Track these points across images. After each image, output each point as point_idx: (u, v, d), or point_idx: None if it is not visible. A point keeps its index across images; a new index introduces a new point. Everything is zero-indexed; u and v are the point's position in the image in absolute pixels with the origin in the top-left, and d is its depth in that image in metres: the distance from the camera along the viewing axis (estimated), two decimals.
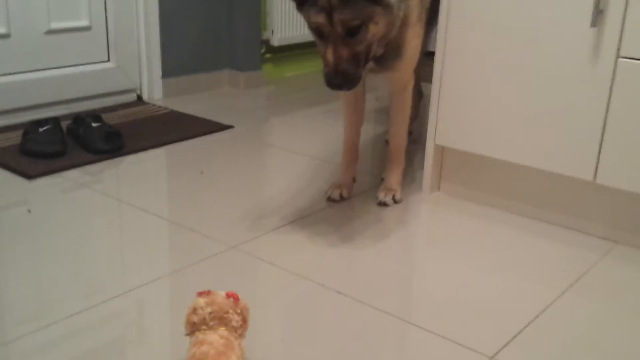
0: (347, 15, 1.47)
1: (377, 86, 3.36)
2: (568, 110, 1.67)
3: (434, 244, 1.76)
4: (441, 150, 1.97)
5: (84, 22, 2.75)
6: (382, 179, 1.99)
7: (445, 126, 1.89)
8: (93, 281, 1.46)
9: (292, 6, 3.32)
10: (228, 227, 1.72)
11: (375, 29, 1.53)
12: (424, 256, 1.69)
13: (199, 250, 1.59)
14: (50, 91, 2.60)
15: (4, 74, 2.52)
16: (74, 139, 2.27)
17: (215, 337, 1.09)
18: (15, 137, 2.27)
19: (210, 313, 1.11)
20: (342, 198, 1.93)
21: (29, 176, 1.99)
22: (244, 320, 1.15)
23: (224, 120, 2.62)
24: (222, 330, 1.11)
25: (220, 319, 1.12)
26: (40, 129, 2.18)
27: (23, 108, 2.50)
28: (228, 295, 1.15)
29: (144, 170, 2.16)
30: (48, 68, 2.66)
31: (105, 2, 2.80)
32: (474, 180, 1.94)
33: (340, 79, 1.52)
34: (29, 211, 1.78)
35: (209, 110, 2.77)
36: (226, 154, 2.31)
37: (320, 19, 1.49)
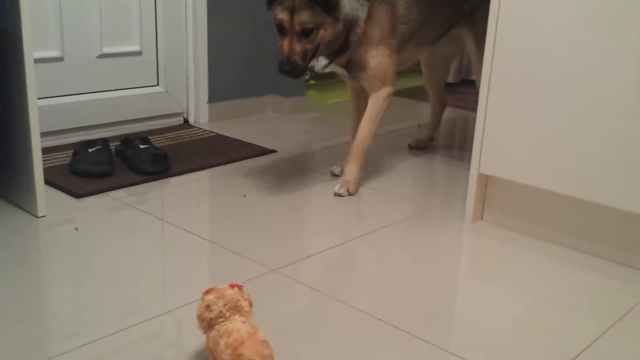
0: (304, 18, 1.89)
1: (420, 114, 3.36)
2: (618, 140, 1.64)
3: (475, 274, 1.73)
4: (485, 179, 1.95)
5: (135, 47, 2.83)
6: (341, 170, 2.24)
7: (490, 154, 1.87)
8: (134, 300, 1.48)
9: None
10: (269, 250, 1.73)
11: (324, 34, 1.95)
12: (465, 286, 1.67)
13: (240, 273, 1.60)
14: (101, 113, 2.67)
15: (57, 96, 2.61)
16: (121, 160, 2.32)
17: (238, 325, 1.18)
18: (65, 157, 2.33)
19: (224, 305, 1.20)
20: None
21: (77, 195, 2.04)
22: (251, 304, 1.25)
23: (268, 145, 2.65)
24: (239, 317, 1.20)
25: (235, 308, 1.20)
26: (90, 150, 2.24)
27: (74, 129, 2.57)
28: (232, 286, 1.24)
29: (188, 192, 2.20)
30: (99, 91, 2.74)
31: (156, 28, 2.89)
32: (518, 210, 1.92)
33: (290, 67, 1.92)
34: (76, 229, 1.82)
35: (252, 134, 2.80)
36: (269, 177, 2.33)
37: (284, 16, 1.91)
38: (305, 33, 1.91)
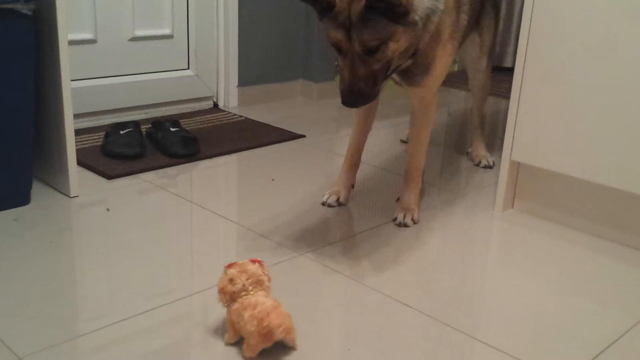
0: (366, 35, 1.42)
1: (450, 101, 3.32)
2: None
3: (506, 262, 1.71)
4: (516, 167, 1.92)
5: (166, 31, 2.85)
6: (398, 199, 1.89)
7: (522, 142, 1.85)
8: (162, 281, 1.49)
9: None
10: (297, 235, 1.73)
11: (396, 46, 1.47)
12: (495, 274, 1.66)
13: (268, 256, 1.61)
14: (132, 96, 2.70)
15: (89, 78, 2.63)
16: (152, 142, 2.34)
17: (262, 298, 1.22)
18: (97, 139, 2.36)
19: (247, 279, 1.23)
20: (339, 204, 1.89)
21: (108, 176, 2.06)
22: (269, 279, 1.28)
23: (296, 130, 2.65)
24: (261, 291, 1.24)
25: (257, 283, 1.24)
26: (121, 132, 2.26)
27: (106, 111, 2.60)
28: (252, 261, 1.27)
29: (217, 175, 2.21)
30: (131, 74, 2.76)
31: (187, 12, 2.89)
32: (550, 199, 1.89)
33: (355, 97, 1.48)
34: (108, 210, 1.84)
35: (281, 119, 2.80)
36: (297, 162, 2.33)
37: (339, 35, 1.45)
38: (370, 51, 1.45)
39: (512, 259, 1.71)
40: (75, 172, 1.89)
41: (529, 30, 1.77)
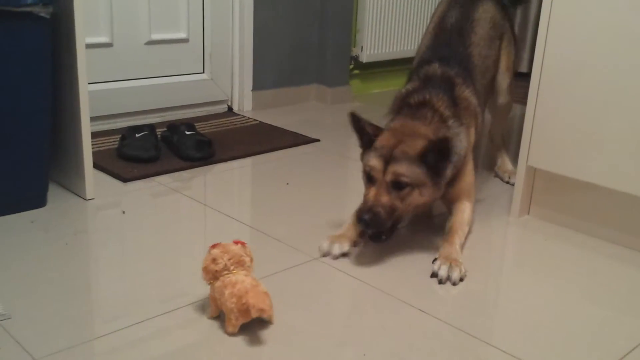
0: (401, 169, 1.54)
1: None
2: None
3: (521, 268, 1.70)
4: (533, 172, 1.91)
5: (182, 35, 2.86)
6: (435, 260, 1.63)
7: (539, 147, 1.84)
8: (177, 284, 1.50)
9: (383, 23, 3.34)
10: (311, 239, 1.72)
11: (418, 197, 1.58)
12: (510, 280, 1.65)
13: (282, 260, 1.61)
14: (148, 99, 2.71)
15: (106, 81, 2.65)
16: (167, 145, 2.35)
17: (242, 277, 1.29)
18: (113, 142, 2.37)
19: (229, 259, 1.30)
20: (343, 254, 1.63)
21: (124, 179, 2.07)
22: (251, 260, 1.35)
23: (311, 134, 2.65)
24: (242, 271, 1.30)
25: (238, 263, 1.31)
26: (137, 135, 2.27)
27: (121, 114, 2.61)
28: (235, 243, 1.34)
29: (232, 178, 2.21)
30: (146, 77, 2.78)
31: (203, 16, 2.91)
32: (566, 205, 1.87)
33: (370, 217, 1.54)
34: (124, 212, 1.85)
35: (296, 123, 2.80)
36: (311, 166, 2.33)
37: (376, 163, 1.57)
38: (398, 186, 1.55)
39: (528, 265, 1.70)
40: (91, 175, 1.90)
41: (547, 35, 1.76)
